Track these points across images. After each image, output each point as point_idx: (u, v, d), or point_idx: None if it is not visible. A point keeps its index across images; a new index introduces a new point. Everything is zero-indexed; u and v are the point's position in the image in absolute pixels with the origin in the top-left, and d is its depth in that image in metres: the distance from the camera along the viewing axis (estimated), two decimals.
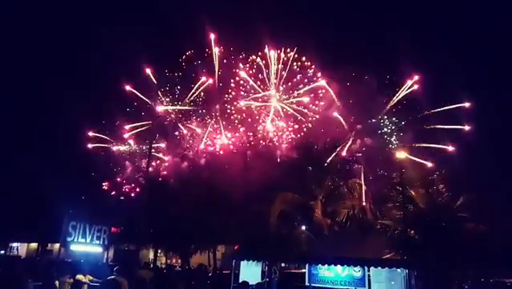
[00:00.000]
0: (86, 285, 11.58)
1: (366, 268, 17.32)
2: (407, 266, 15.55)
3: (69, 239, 19.90)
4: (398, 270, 16.22)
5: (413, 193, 16.46)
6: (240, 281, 15.96)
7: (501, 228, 15.94)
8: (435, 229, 14.86)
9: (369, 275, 17.43)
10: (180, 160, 33.98)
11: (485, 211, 15.34)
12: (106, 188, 34.08)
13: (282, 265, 21.32)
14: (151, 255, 29.10)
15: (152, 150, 26.35)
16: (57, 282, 10.48)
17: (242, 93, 33.95)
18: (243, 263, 18.31)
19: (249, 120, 34.11)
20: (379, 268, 16.89)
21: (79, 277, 11.54)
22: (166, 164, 33.27)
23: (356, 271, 17.54)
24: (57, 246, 22.72)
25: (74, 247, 21.00)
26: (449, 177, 16.40)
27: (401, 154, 17.65)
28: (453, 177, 16.53)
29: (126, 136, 32.55)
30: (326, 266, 17.60)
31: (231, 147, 33.86)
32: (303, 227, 19.82)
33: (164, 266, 30.77)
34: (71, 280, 10.97)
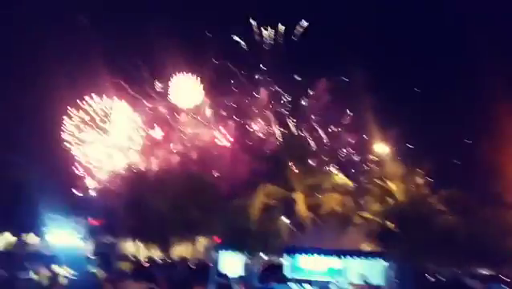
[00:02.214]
0: (64, 277, 11.40)
1: (345, 259, 17.66)
2: (385, 257, 15.90)
3: (46, 230, 19.52)
4: (376, 261, 16.57)
5: (393, 186, 16.79)
6: (221, 273, 16.01)
7: (475, 222, 16.46)
8: (413, 221, 15.23)
9: (348, 266, 17.79)
10: (170, 153, 33.84)
11: (461, 205, 15.78)
12: (84, 179, 33.62)
13: (264, 256, 21.51)
14: (131, 248, 28.85)
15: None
16: (33, 274, 10.29)
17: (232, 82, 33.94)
18: (224, 255, 18.36)
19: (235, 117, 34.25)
20: (358, 259, 17.25)
21: (56, 269, 11.35)
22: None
23: (336, 262, 17.85)
24: (33, 237, 22.23)
25: (51, 239, 20.63)
26: (428, 172, 16.77)
27: (381, 147, 17.94)
28: (432, 172, 16.92)
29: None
30: (306, 257, 17.82)
31: (219, 141, 33.91)
32: (285, 220, 20.00)
33: (144, 259, 30.60)
34: (48, 272, 10.79)
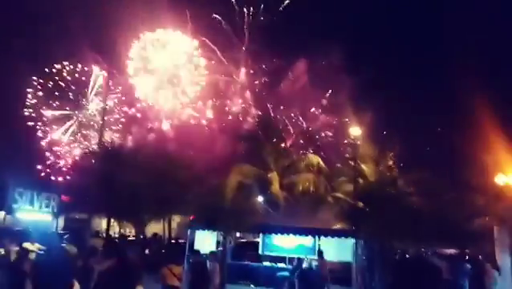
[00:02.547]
0: (34, 253, 11.22)
1: (316, 237, 18.12)
2: (354, 236, 16.39)
3: (15, 206, 19.06)
4: (346, 239, 17.08)
5: (364, 168, 17.16)
6: (195, 250, 16.14)
7: (442, 204, 17.09)
8: (382, 202, 15.69)
9: (319, 244, 18.28)
10: (147, 131, 33.36)
11: (428, 188, 16.29)
12: (55, 155, 32.82)
13: (237, 235, 21.77)
14: (103, 225, 28.59)
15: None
16: (2, 251, 10.08)
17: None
18: (198, 233, 18.47)
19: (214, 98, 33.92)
20: (329, 237, 17.74)
21: (27, 245, 11.14)
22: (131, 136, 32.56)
23: (307, 240, 18.29)
24: (2, 213, 21.70)
25: (21, 215, 20.18)
26: (398, 154, 17.20)
27: (355, 130, 18.23)
28: (402, 155, 17.38)
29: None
30: (279, 235, 18.16)
31: (194, 121, 33.60)
32: (260, 199, 20.22)
33: (117, 236, 30.42)
34: (17, 248, 10.58)
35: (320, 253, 15.26)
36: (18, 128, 30.90)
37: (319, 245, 16.00)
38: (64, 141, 33.28)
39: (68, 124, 33.54)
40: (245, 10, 33.88)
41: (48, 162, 32.59)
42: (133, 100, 34.46)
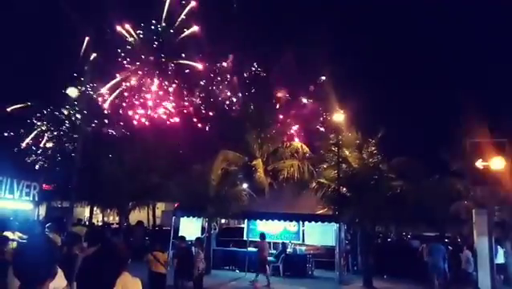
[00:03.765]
0: (15, 242, 11.05)
1: (301, 223, 18.34)
2: (337, 221, 16.64)
3: None
4: (329, 224, 17.33)
5: (348, 153, 17.32)
6: (180, 236, 16.13)
7: (423, 188, 17.44)
8: (364, 187, 15.91)
9: (303, 230, 18.52)
10: (131, 118, 32.94)
11: (410, 173, 16.57)
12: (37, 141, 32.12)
13: (222, 221, 21.84)
14: (86, 213, 28.29)
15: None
16: None
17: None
18: (183, 220, 18.47)
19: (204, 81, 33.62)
20: (313, 222, 17.97)
21: (7, 234, 10.95)
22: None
23: (292, 226, 18.49)
24: None
25: (1, 204, 19.76)
26: (381, 141, 17.38)
27: (338, 116, 18.34)
28: (384, 140, 17.56)
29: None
30: (264, 221, 18.31)
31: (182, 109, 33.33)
32: (244, 185, 20.28)
33: (100, 224, 30.18)
34: None
35: (262, 235, 15.47)
36: None
37: (263, 232, 16.18)
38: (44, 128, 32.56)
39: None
40: None
41: (27, 149, 31.88)
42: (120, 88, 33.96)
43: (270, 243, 18.46)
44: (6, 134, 31.13)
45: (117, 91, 33.85)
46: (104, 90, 33.47)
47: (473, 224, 12.12)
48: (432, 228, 21.05)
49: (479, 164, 9.65)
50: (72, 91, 31.31)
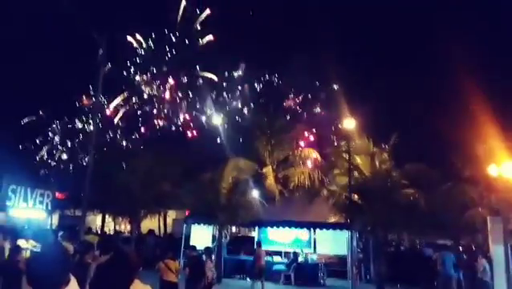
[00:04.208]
0: (28, 250, 11.16)
1: (312, 231, 18.21)
2: (349, 229, 16.48)
3: (9, 204, 18.84)
4: (341, 232, 17.17)
5: (359, 160, 17.20)
6: (190, 245, 16.14)
7: (436, 195, 17.20)
8: (376, 194, 15.74)
9: (315, 238, 18.38)
10: (146, 128, 33.36)
11: (422, 180, 16.36)
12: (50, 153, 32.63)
13: (233, 229, 21.80)
14: (98, 221, 28.50)
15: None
16: None
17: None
18: (194, 228, 18.49)
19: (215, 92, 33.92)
20: (325, 230, 17.83)
21: (21, 242, 11.08)
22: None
23: (303, 234, 18.37)
24: None
25: (14, 212, 20.01)
26: (393, 147, 17.23)
27: (349, 123, 18.24)
28: (397, 147, 17.40)
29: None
30: (274, 229, 18.22)
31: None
32: (255, 193, 20.25)
33: (112, 232, 30.34)
34: (11, 245, 10.51)
35: (258, 243, 15.40)
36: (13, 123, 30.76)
37: (260, 237, 16.07)
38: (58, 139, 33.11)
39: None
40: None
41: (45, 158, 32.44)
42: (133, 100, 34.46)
43: (281, 252, 18.36)
44: (20, 146, 31.74)
45: (128, 103, 34.30)
46: (117, 101, 33.95)
47: (487, 232, 11.89)
48: (446, 236, 20.69)
49: (492, 170, 9.50)
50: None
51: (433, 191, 17.05)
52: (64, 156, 32.46)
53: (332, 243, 18.11)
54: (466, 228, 18.19)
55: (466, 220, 17.49)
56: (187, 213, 20.81)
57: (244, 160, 22.26)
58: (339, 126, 26.04)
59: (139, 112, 34.66)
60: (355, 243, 17.43)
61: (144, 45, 34.76)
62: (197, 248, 12.49)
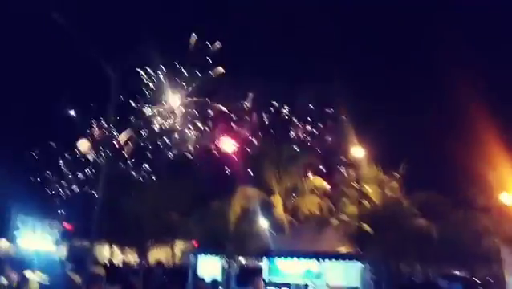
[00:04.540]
0: (36, 282, 11.07)
1: (322, 261, 17.83)
2: (360, 260, 16.13)
3: (18, 234, 18.90)
4: (352, 263, 16.79)
5: (368, 189, 17.05)
6: (199, 277, 15.88)
7: (448, 224, 16.86)
8: (387, 224, 15.50)
9: (325, 268, 17.97)
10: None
11: (434, 208, 16.12)
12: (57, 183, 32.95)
13: (241, 260, 21.45)
14: (105, 252, 28.29)
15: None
16: (3, 279, 9.97)
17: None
18: (202, 259, 18.24)
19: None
20: (335, 261, 17.45)
21: (28, 274, 11.02)
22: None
23: (313, 265, 17.99)
24: (4, 241, 21.54)
25: (23, 243, 20.00)
26: (403, 175, 17.11)
27: (358, 151, 18.23)
28: (407, 175, 17.26)
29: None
30: (283, 260, 17.90)
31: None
32: (263, 222, 20.05)
33: (119, 264, 30.04)
34: (19, 277, 10.47)
35: (256, 272, 15.06)
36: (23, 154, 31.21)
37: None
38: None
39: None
40: None
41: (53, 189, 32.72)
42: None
43: (288, 285, 17.95)
44: (32, 178, 32.14)
45: (138, 134, 34.73)
46: (127, 133, 34.41)
47: (502, 262, 11.59)
48: (461, 266, 20.13)
49: (504, 198, 9.35)
50: (83, 144, 32.23)
51: (445, 219, 16.74)
52: (75, 188, 32.73)
53: (343, 275, 17.67)
54: (481, 258, 17.70)
55: (480, 249, 17.04)
56: (195, 244, 20.58)
57: (252, 189, 22.19)
58: (348, 154, 25.99)
59: (148, 143, 34.98)
60: (367, 274, 17.00)
61: (155, 77, 35.50)
62: (205, 280, 12.31)
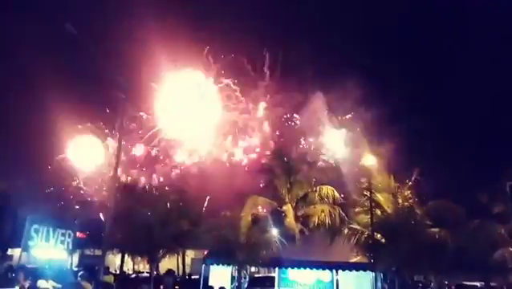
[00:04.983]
0: None
1: (334, 271, 17.61)
2: (373, 269, 15.89)
3: (31, 244, 19.01)
4: (365, 273, 16.55)
5: (381, 198, 16.85)
6: (209, 286, 15.83)
7: (462, 233, 16.56)
8: (400, 233, 15.27)
9: (337, 279, 17.73)
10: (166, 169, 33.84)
11: (448, 217, 15.87)
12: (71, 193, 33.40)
13: (252, 269, 21.32)
14: (117, 261, 28.40)
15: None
16: (17, 288, 10.08)
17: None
18: (213, 268, 18.19)
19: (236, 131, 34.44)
20: (347, 271, 17.22)
21: (41, 283, 11.12)
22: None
23: (325, 275, 17.78)
24: (18, 251, 21.76)
25: (36, 252, 20.17)
26: (416, 184, 16.89)
27: (369, 160, 18.05)
28: (420, 184, 17.04)
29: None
30: (295, 269, 17.73)
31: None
32: (274, 231, 19.92)
33: (130, 272, 30.14)
34: (33, 286, 10.58)
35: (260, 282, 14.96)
36: (36, 165, 31.78)
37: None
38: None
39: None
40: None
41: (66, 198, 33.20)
42: (155, 139, 35.25)
43: None
44: (47, 190, 32.81)
45: (150, 144, 35.05)
46: (140, 145, 34.82)
47: None
48: (476, 276, 19.70)
49: None
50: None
51: (460, 228, 16.44)
52: (89, 199, 33.23)
53: (356, 285, 17.42)
54: (496, 267, 17.33)
55: (496, 259, 16.69)
56: (205, 253, 20.54)
57: (263, 198, 22.12)
58: (360, 163, 25.78)
59: (160, 153, 35.24)
60: (379, 285, 16.74)
61: (166, 87, 35.81)
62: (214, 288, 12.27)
